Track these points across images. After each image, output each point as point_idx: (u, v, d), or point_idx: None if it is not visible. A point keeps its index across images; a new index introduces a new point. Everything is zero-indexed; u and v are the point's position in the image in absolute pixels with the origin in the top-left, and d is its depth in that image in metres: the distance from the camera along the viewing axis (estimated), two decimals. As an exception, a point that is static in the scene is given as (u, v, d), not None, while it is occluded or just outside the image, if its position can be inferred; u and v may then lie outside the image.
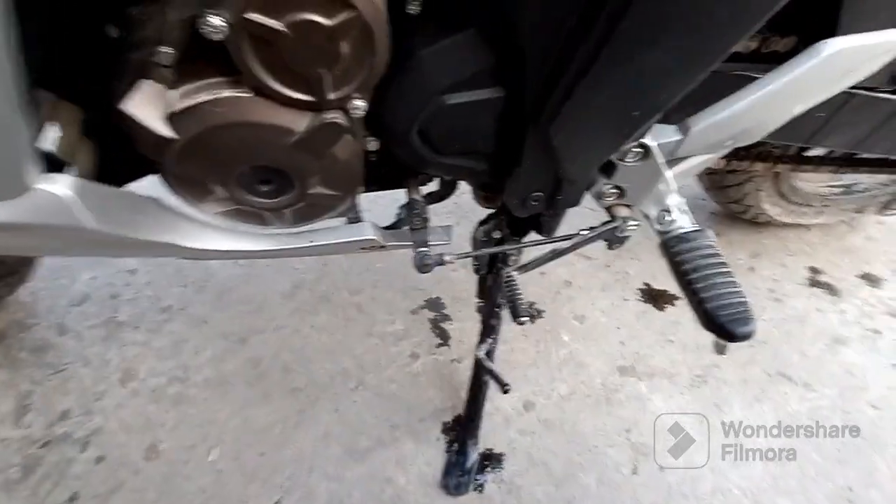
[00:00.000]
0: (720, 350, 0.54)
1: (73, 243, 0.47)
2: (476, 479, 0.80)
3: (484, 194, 0.72)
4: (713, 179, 1.08)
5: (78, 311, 1.05)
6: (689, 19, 0.36)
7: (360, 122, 0.49)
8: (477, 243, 0.72)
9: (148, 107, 0.41)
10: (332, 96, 0.41)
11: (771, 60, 0.56)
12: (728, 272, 0.53)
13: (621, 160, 0.53)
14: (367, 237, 0.63)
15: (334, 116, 0.43)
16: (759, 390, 0.95)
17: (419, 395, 0.92)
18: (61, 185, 0.38)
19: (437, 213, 1.26)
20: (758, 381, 0.97)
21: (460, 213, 1.26)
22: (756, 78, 0.53)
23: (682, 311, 1.06)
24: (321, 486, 0.80)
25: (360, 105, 0.43)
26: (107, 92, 0.43)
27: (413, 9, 0.42)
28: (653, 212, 0.59)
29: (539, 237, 0.69)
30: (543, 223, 0.68)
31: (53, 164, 0.54)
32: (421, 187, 0.67)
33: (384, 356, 0.97)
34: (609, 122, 0.45)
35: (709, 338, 1.01)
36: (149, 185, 0.51)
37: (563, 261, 1.15)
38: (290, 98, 0.41)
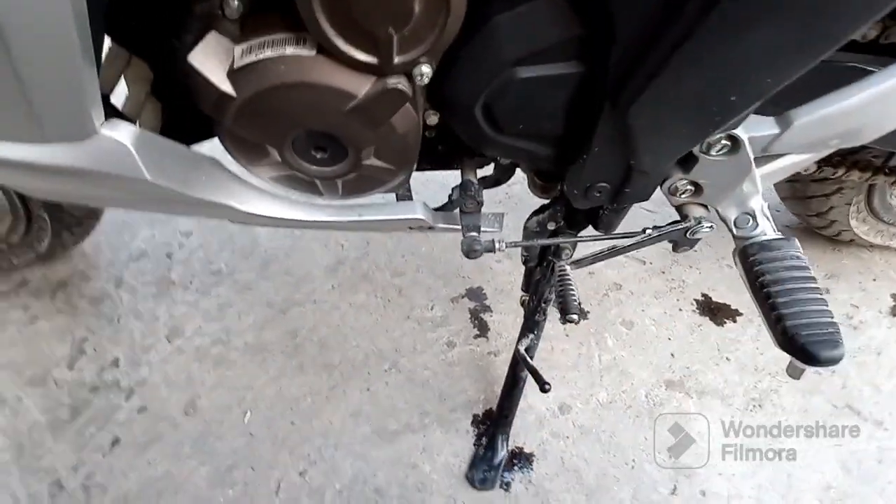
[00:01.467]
0: (795, 374, 0.48)
1: (130, 195, 0.47)
2: (503, 477, 0.77)
3: (540, 183, 0.68)
4: (794, 188, 0.98)
5: (135, 266, 1.09)
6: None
7: (422, 92, 0.46)
8: (528, 233, 0.68)
9: (212, 60, 0.40)
10: (398, 60, 0.39)
11: (888, 53, 0.49)
12: (815, 288, 0.47)
13: (705, 153, 0.48)
14: (416, 216, 0.61)
15: (397, 82, 0.40)
16: (819, 422, 0.87)
17: (452, 385, 0.89)
18: (124, 133, 0.38)
19: (487, 203, 1.23)
20: (820, 413, 0.88)
21: (510, 203, 1.22)
22: (870, 71, 0.46)
23: (742, 329, 0.98)
24: (346, 462, 0.80)
25: (426, 71, 0.40)
26: (174, 47, 0.42)
27: (491, -31, 0.39)
28: (732, 214, 0.54)
29: (597, 233, 0.64)
30: (602, 218, 0.63)
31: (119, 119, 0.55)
32: (477, 169, 0.65)
33: (420, 341, 0.96)
34: (701, 106, 0.40)
35: (772, 361, 0.93)
36: (209, 147, 0.51)
37: (614, 262, 1.10)
38: (355, 59, 0.38)
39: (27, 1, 0.27)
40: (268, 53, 0.39)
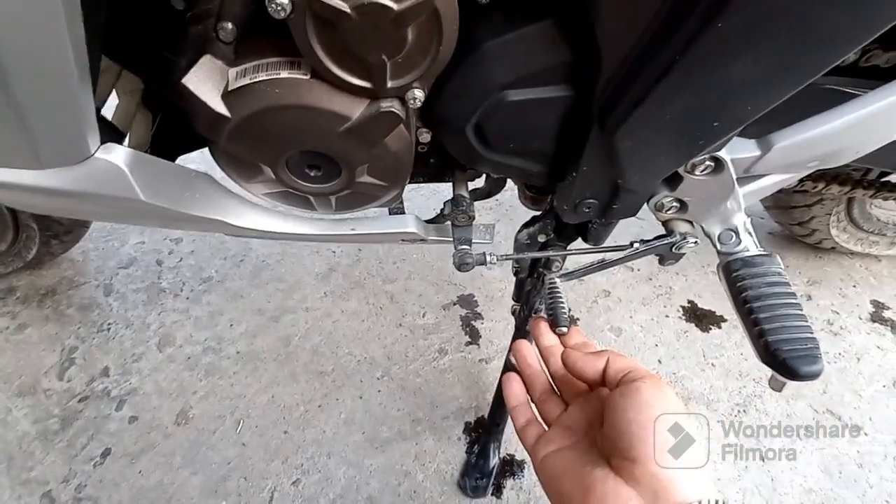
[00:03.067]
0: (777, 387, 0.50)
1: (124, 212, 0.48)
2: (495, 484, 0.78)
3: (530, 195, 0.69)
4: (778, 198, 1.01)
5: (125, 273, 1.09)
6: (796, 25, 0.32)
7: (415, 113, 0.47)
8: (519, 245, 0.69)
9: (207, 83, 0.41)
10: (391, 84, 0.39)
11: (869, 76, 0.51)
12: (796, 304, 0.49)
13: (689, 172, 0.49)
14: (408, 230, 0.62)
15: (391, 105, 0.41)
16: (802, 427, 0.89)
17: (444, 392, 0.90)
18: (119, 156, 0.38)
19: (478, 210, 1.24)
20: (802, 417, 0.91)
21: (500, 210, 1.23)
22: (850, 94, 0.48)
23: (727, 335, 1.00)
24: (340, 471, 0.80)
25: (418, 95, 0.41)
26: (168, 64, 0.42)
27: (483, -3, 0.40)
28: (716, 230, 0.55)
29: (586, 245, 0.66)
30: (592, 231, 0.64)
31: (110, 131, 0.55)
32: (469, 183, 0.65)
33: (412, 349, 0.97)
34: (684, 131, 0.42)
35: (755, 367, 0.96)
36: (200, 160, 0.51)
37: (603, 270, 1.11)
38: (349, 83, 0.39)
39: (24, 28, 0.27)
40: (262, 76, 0.40)
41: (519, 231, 0.70)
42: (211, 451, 0.82)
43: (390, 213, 0.66)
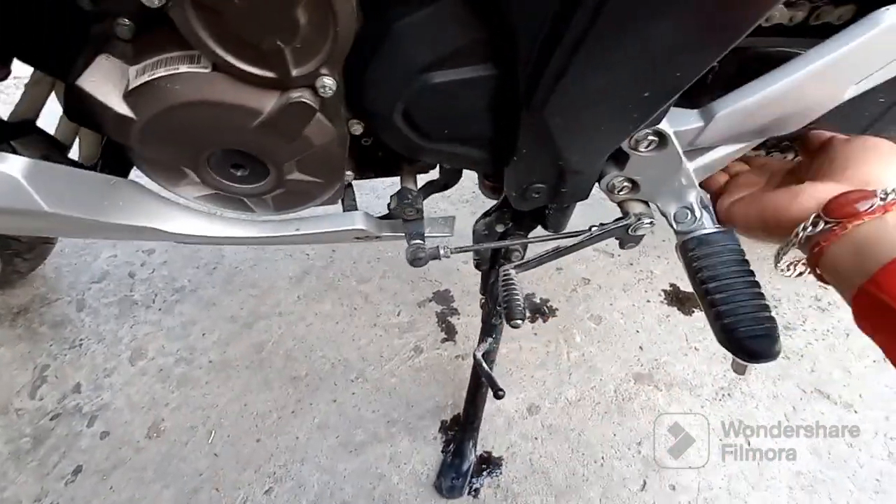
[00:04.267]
0: (739, 370, 0.47)
1: (33, 225, 0.46)
2: (472, 483, 0.76)
3: (489, 184, 0.67)
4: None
5: (97, 287, 1.07)
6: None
7: (335, 103, 0.44)
8: (478, 236, 0.67)
9: (106, 83, 0.39)
10: (296, 73, 0.37)
11: (823, 34, 0.48)
12: (753, 282, 0.46)
13: (634, 149, 0.47)
14: (356, 227, 0.59)
15: (300, 95, 0.39)
16: (790, 408, 0.86)
17: (420, 391, 0.88)
18: (12, 165, 0.36)
19: (454, 203, 1.22)
20: (790, 398, 0.88)
21: (477, 202, 1.20)
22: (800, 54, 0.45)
23: (710, 317, 0.98)
24: (313, 477, 0.79)
25: (328, 83, 0.39)
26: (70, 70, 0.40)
27: (386, -26, 0.37)
28: (671, 209, 0.53)
29: (545, 233, 0.63)
30: (549, 218, 0.62)
31: (46, 145, 0.53)
32: (419, 175, 0.63)
33: (387, 348, 0.95)
34: (613, 104, 0.39)
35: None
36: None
37: (582, 256, 1.09)
38: (251, 74, 0.37)
39: None
40: (161, 72, 0.38)
41: (476, 222, 0.67)
42: (182, 464, 0.81)
43: (344, 210, 0.64)
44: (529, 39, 0.36)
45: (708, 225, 0.51)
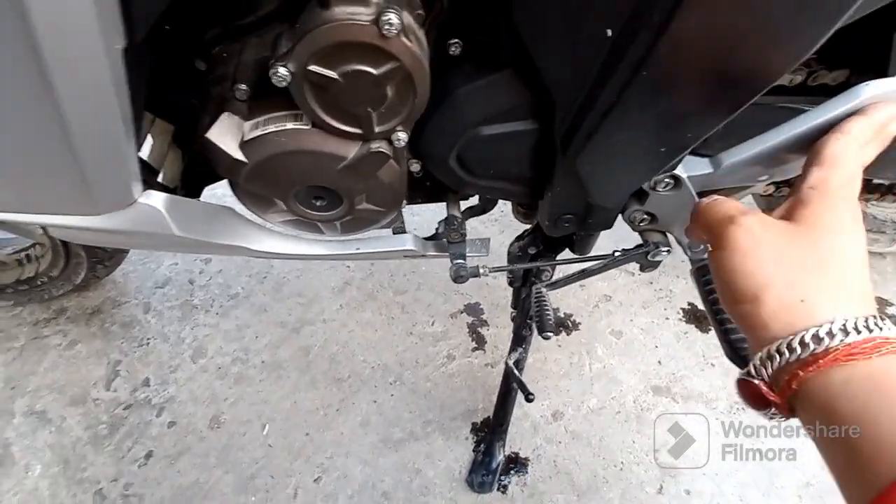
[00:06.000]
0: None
1: (163, 244, 0.56)
2: (500, 480, 0.84)
3: (522, 210, 0.75)
4: (771, 202, 1.03)
5: (161, 292, 1.19)
6: (709, 70, 0.37)
7: (402, 150, 0.54)
8: (512, 257, 0.75)
9: (227, 135, 0.49)
10: (378, 129, 0.46)
11: (821, 93, 0.55)
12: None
13: (653, 189, 0.55)
14: (407, 247, 0.69)
15: (379, 146, 0.48)
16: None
17: (452, 395, 0.97)
18: (158, 200, 0.46)
19: (483, 222, 1.31)
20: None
21: (505, 220, 1.29)
22: (802, 110, 0.52)
23: (726, 335, 1.03)
24: (357, 469, 0.87)
25: (402, 137, 0.48)
26: (193, 115, 0.51)
27: (454, 51, 0.47)
28: (685, 239, 0.60)
29: (572, 255, 0.71)
30: (577, 242, 0.70)
31: (148, 172, 0.64)
32: (461, 202, 0.72)
33: (422, 355, 1.03)
34: (635, 157, 0.47)
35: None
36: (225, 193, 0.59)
37: (605, 275, 1.16)
38: (342, 131, 0.46)
39: (82, 95, 0.33)
40: (272, 128, 0.48)
41: (511, 244, 0.76)
42: (241, 452, 0.90)
43: (393, 233, 0.74)
44: (567, 106, 0.44)
45: (718, 254, 0.58)
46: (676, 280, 1.15)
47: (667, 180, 0.54)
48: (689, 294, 1.12)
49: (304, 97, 0.43)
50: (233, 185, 0.55)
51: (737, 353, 0.52)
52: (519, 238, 0.76)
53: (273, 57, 0.40)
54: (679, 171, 0.53)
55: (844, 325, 0.27)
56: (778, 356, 0.27)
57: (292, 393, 0.98)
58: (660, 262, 0.64)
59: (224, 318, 1.12)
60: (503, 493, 0.83)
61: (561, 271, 0.73)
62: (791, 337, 0.27)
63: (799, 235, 0.31)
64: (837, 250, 0.30)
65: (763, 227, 0.32)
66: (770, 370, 0.28)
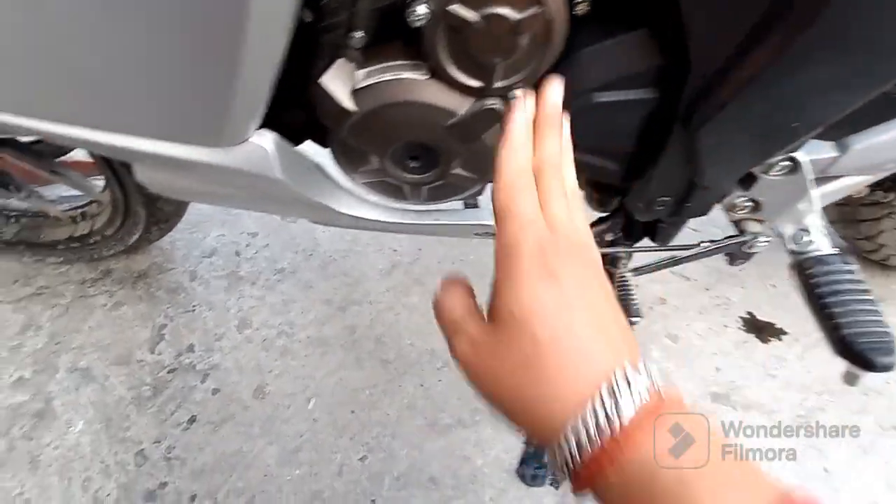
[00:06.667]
0: (851, 381, 0.51)
1: (252, 194, 0.55)
2: (553, 475, 0.81)
3: (597, 196, 0.73)
4: (843, 211, 1.00)
5: (207, 261, 1.19)
6: (876, 38, 0.35)
7: (511, 112, 0.52)
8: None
9: (339, 82, 0.48)
10: (498, 84, 0.45)
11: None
12: (870, 300, 0.50)
13: (765, 173, 0.52)
14: (485, 222, 0.67)
15: (493, 103, 0.47)
16: (867, 442, 0.87)
17: (501, 385, 0.94)
18: (268, 140, 0.45)
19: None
20: (867, 432, 0.89)
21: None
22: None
23: (788, 347, 1.00)
24: (403, 451, 0.85)
25: (519, 95, 0.46)
26: (298, 65, 0.50)
27: (581, 9, 0.45)
28: (789, 230, 0.58)
29: (653, 244, 0.69)
30: (660, 230, 0.68)
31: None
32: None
33: (470, 343, 1.01)
34: (765, 130, 0.45)
35: (818, 380, 0.94)
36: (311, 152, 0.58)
37: (658, 277, 1.13)
38: (461, 83, 0.45)
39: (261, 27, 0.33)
40: (387, 77, 0.46)
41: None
42: (285, 425, 0.89)
43: (466, 207, 0.72)
44: (703, 71, 0.42)
45: (825, 248, 0.55)
46: (734, 288, 1.11)
47: (783, 163, 0.51)
48: (749, 303, 1.08)
49: (434, 40, 0.41)
50: (332, 136, 0.54)
51: (847, 348, 0.50)
52: (595, 223, 0.73)
53: (412, -5, 0.39)
54: (800, 153, 0.50)
55: (577, 432, 0.23)
56: (570, 459, 0.24)
57: (337, 370, 0.97)
58: (756, 253, 0.61)
59: (270, 291, 1.12)
60: (555, 488, 0.80)
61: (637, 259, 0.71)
62: (556, 455, 0.24)
63: (501, 343, 0.26)
64: (540, 339, 0.25)
65: (473, 346, 0.28)
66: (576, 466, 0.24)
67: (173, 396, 0.94)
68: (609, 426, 0.22)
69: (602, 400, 0.23)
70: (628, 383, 0.23)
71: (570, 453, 0.23)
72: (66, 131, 0.41)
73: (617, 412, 0.22)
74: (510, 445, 0.85)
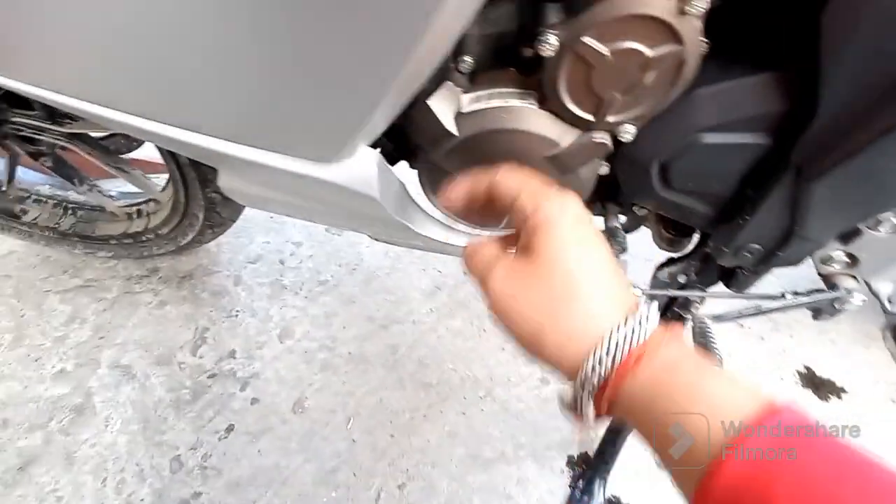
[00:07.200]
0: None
1: (331, 208, 0.55)
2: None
3: (668, 236, 0.71)
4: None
5: (252, 267, 1.19)
6: None
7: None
8: (658, 283, 0.71)
9: (444, 105, 0.47)
10: (610, 119, 0.44)
11: None
12: None
13: (871, 228, 0.50)
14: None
15: (602, 137, 0.46)
16: None
17: (546, 421, 0.91)
18: (373, 159, 0.45)
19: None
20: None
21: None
22: None
23: (847, 406, 0.95)
24: (443, 482, 0.82)
25: (630, 130, 0.45)
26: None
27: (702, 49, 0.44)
28: (886, 289, 0.55)
29: (730, 290, 0.66)
30: (740, 277, 0.65)
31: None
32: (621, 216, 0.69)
33: (514, 374, 0.98)
34: (885, 185, 0.43)
35: (878, 443, 0.89)
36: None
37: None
38: (572, 115, 0.44)
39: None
40: (494, 103, 0.46)
41: (658, 269, 0.71)
42: (323, 443, 0.87)
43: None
44: (833, 120, 0.41)
45: (928, 311, 0.52)
46: (791, 339, 1.07)
47: (894, 220, 0.49)
48: (805, 356, 1.04)
49: (556, 71, 0.41)
50: (424, 157, 0.54)
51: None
52: (667, 264, 0.71)
53: (542, 24, 0.39)
54: (915, 211, 0.48)
55: (608, 345, 0.28)
56: (582, 389, 0.29)
57: (378, 389, 0.95)
58: (845, 311, 0.58)
59: (312, 302, 1.11)
60: (601, 538, 0.76)
61: (709, 307, 0.68)
62: (580, 371, 0.29)
63: (537, 272, 0.31)
64: (574, 273, 0.30)
65: (508, 275, 0.32)
66: (585, 399, 0.30)
67: (212, 403, 0.93)
68: (637, 337, 0.28)
69: (632, 319, 0.29)
70: (647, 312, 0.29)
71: (601, 363, 0.28)
72: (181, 136, 0.41)
73: (644, 327, 0.28)
74: (554, 487, 0.82)
